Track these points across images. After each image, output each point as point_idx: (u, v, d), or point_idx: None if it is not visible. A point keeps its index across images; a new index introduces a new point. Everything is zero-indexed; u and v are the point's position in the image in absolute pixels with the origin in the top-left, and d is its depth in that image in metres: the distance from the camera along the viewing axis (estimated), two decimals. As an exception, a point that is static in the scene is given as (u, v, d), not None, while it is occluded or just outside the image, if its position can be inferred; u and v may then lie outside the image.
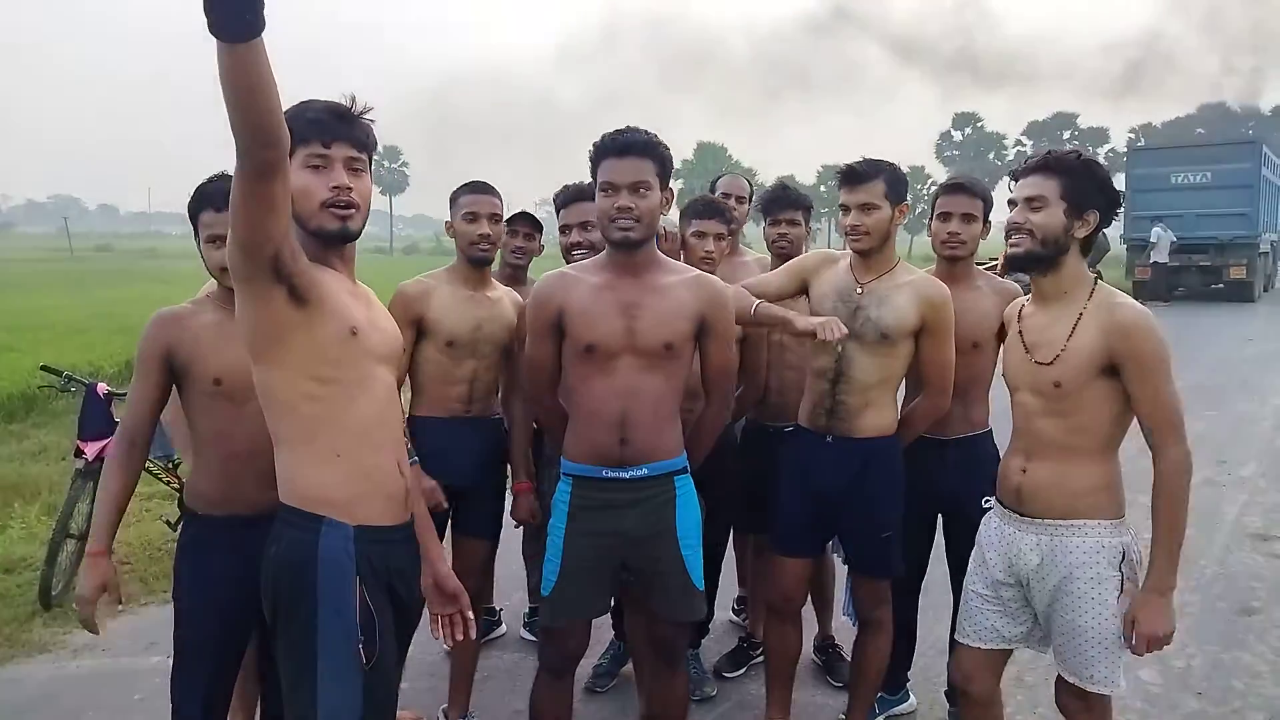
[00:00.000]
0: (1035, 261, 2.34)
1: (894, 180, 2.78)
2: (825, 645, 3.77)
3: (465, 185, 3.17)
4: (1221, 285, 19.61)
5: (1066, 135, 73.77)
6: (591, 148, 2.49)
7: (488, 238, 3.06)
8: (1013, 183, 2.42)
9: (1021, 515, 2.39)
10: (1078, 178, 2.29)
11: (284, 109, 1.83)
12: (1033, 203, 2.31)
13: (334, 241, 1.92)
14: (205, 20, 1.39)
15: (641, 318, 2.43)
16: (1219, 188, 19.18)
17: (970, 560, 2.58)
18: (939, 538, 3.16)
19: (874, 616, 3.00)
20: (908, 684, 3.41)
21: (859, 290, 2.82)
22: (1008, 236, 2.40)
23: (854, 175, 2.78)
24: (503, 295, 3.16)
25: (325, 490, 1.85)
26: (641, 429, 2.44)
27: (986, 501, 2.87)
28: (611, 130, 2.49)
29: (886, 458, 2.88)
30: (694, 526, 2.54)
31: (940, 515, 3.11)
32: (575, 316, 2.47)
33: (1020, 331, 2.44)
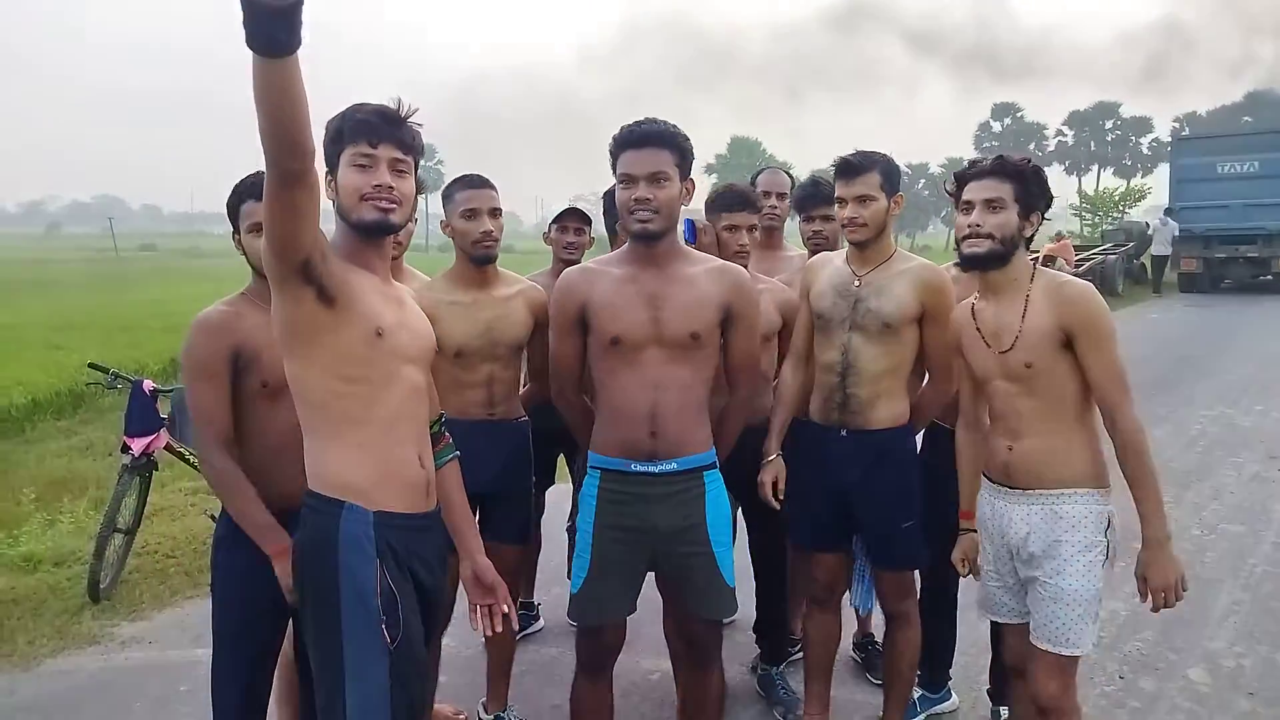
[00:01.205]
0: (995, 260, 2.40)
1: (888, 171, 2.80)
2: (864, 642, 3.75)
3: (459, 180, 3.01)
4: (1270, 277, 19.17)
5: (1108, 124, 72.57)
6: (611, 140, 2.48)
7: (490, 234, 2.92)
8: (953, 184, 2.49)
9: (1010, 488, 2.45)
10: (1029, 182, 2.40)
11: (338, 113, 1.92)
12: (992, 204, 2.38)
13: (374, 234, 1.96)
14: (244, 34, 1.45)
15: (666, 308, 2.42)
16: (1267, 177, 18.72)
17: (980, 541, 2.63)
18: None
19: (900, 609, 2.97)
20: (949, 682, 3.38)
21: (857, 283, 2.82)
22: (963, 240, 2.43)
23: (849, 168, 2.79)
24: (516, 292, 3.03)
25: (347, 477, 1.92)
26: (671, 421, 2.43)
27: None
28: (630, 122, 2.48)
29: (902, 448, 2.88)
30: (725, 523, 2.53)
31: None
32: (599, 309, 2.46)
33: (978, 328, 2.49)
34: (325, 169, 1.94)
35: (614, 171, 2.48)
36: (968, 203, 2.42)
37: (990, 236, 2.37)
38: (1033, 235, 2.46)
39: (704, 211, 3.27)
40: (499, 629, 2.24)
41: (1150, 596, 2.32)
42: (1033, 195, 2.41)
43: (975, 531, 2.64)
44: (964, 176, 2.47)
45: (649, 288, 2.44)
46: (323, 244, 1.83)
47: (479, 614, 2.23)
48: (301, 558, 1.96)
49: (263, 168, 1.69)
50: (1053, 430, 2.39)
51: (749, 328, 2.57)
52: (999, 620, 2.61)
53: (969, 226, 2.40)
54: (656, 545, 2.47)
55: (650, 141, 2.40)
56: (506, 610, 2.24)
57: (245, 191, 2.37)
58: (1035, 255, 2.55)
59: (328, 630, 1.89)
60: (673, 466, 2.44)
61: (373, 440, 1.94)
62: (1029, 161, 2.43)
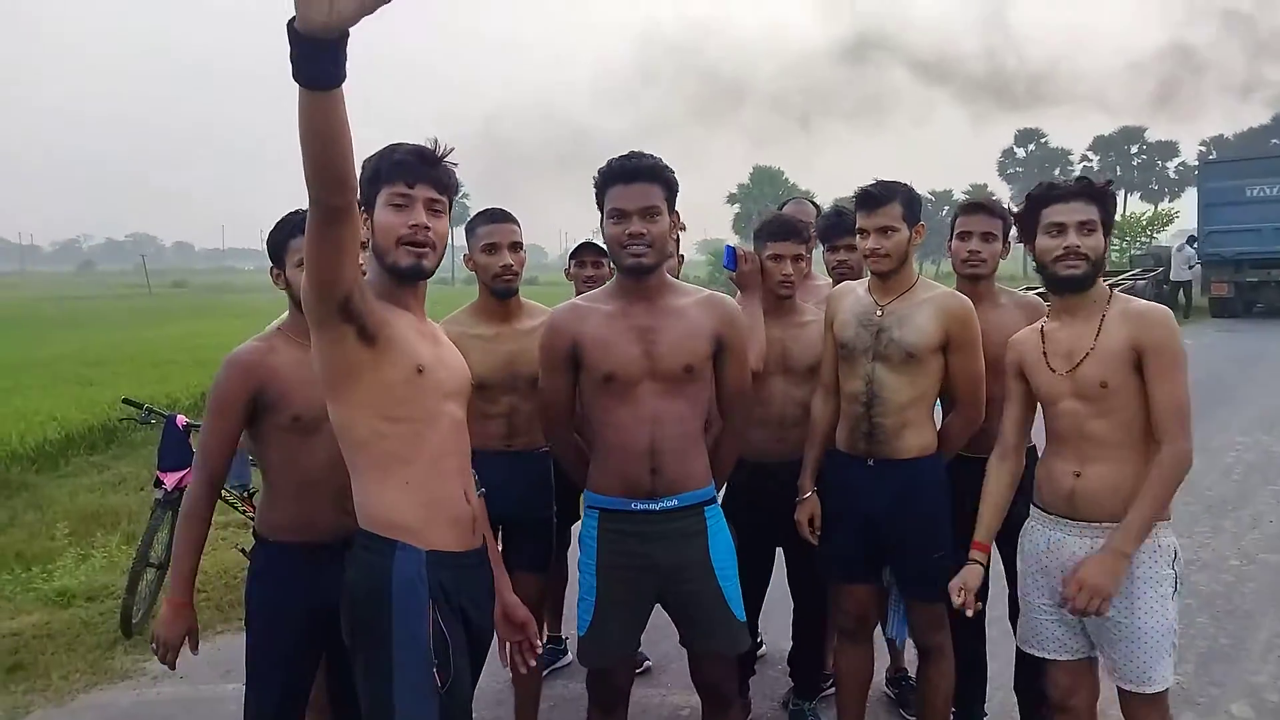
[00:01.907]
0: (1088, 282, 2.41)
1: (909, 201, 2.80)
2: (898, 678, 3.69)
3: (481, 214, 3.04)
4: (1303, 301, 18.90)
5: (1134, 149, 72.17)
6: (596, 174, 2.47)
7: (510, 268, 2.95)
8: (1029, 203, 2.47)
9: (1073, 521, 2.41)
10: (1111, 204, 2.44)
11: (375, 152, 1.95)
12: (1085, 227, 2.38)
13: (408, 278, 1.98)
14: (290, 67, 1.46)
15: (659, 342, 2.41)
16: (1297, 199, 18.54)
17: (1020, 572, 2.58)
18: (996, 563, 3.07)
19: (934, 643, 2.92)
20: (984, 718, 3.31)
21: (879, 313, 2.82)
22: (1058, 261, 2.39)
23: (871, 199, 2.79)
24: (538, 324, 2.95)
25: (397, 516, 1.92)
26: (671, 457, 2.41)
27: None
28: (617, 156, 2.46)
29: (931, 477, 2.85)
30: (729, 557, 2.50)
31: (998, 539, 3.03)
32: (591, 346, 2.44)
33: (1045, 351, 2.47)
34: (362, 207, 1.96)
35: (600, 206, 2.46)
36: (1059, 225, 2.39)
37: (1087, 258, 2.37)
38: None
39: (751, 239, 3.28)
40: (532, 664, 2.25)
41: (1070, 586, 2.29)
42: (1111, 216, 2.44)
43: (984, 566, 2.61)
44: (1046, 199, 2.44)
45: (640, 322, 2.43)
46: (362, 283, 1.85)
47: (509, 650, 2.24)
48: (353, 598, 1.95)
49: (300, 204, 1.72)
50: (1123, 456, 2.35)
51: (740, 357, 2.56)
52: (1047, 656, 2.52)
53: (1064, 248, 2.37)
54: (661, 583, 2.46)
55: (641, 176, 2.40)
56: (537, 645, 2.25)
57: (296, 227, 2.39)
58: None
59: (378, 671, 1.88)
60: (674, 503, 2.43)
61: (420, 478, 1.94)
62: (1109, 183, 2.47)
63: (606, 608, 2.46)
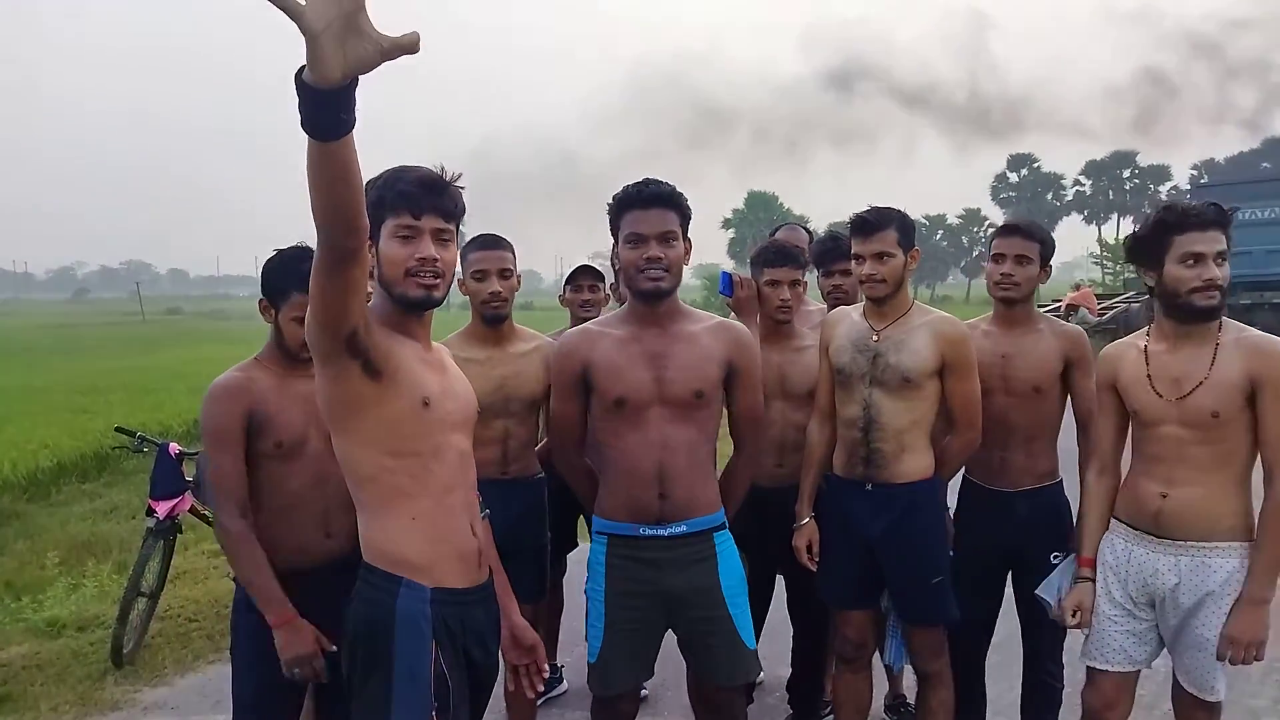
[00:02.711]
0: (1219, 313, 2.39)
1: (904, 226, 2.81)
2: (896, 704, 3.66)
3: (473, 241, 3.02)
4: (1296, 323, 19.02)
5: (1126, 174, 72.75)
6: (612, 200, 2.48)
7: (499, 295, 2.93)
8: (1178, 234, 2.36)
9: (1159, 538, 2.43)
10: (1228, 229, 2.38)
11: (381, 174, 1.91)
12: (1221, 257, 2.35)
13: (416, 309, 1.95)
14: (299, 117, 1.41)
15: (670, 367, 2.42)
16: (1289, 223, 18.67)
17: (1097, 585, 2.58)
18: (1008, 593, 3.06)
19: (932, 669, 2.90)
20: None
21: (875, 338, 2.82)
22: (1195, 292, 2.34)
23: (866, 225, 2.79)
24: (532, 349, 3.03)
25: (402, 552, 1.89)
26: (680, 482, 2.41)
27: (1055, 557, 2.80)
28: (633, 183, 2.48)
29: (928, 501, 2.84)
30: (739, 583, 2.49)
31: (1010, 571, 3.02)
32: (601, 370, 2.45)
33: (1149, 373, 2.45)
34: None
35: (614, 232, 2.48)
36: (1198, 255, 2.32)
37: (1220, 289, 2.34)
38: None
39: (748, 265, 3.29)
40: (540, 689, 2.24)
41: (1231, 649, 2.33)
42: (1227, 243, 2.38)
43: (1093, 581, 2.59)
44: (1182, 225, 2.36)
45: (651, 347, 2.44)
46: (369, 315, 1.81)
47: (519, 674, 2.23)
48: (354, 633, 1.91)
49: (295, 232, 1.71)
50: (1214, 481, 2.37)
51: (752, 383, 2.56)
52: (1109, 669, 2.54)
53: (1204, 280, 2.31)
54: (671, 610, 2.44)
55: (659, 202, 2.43)
56: (545, 669, 2.23)
57: (300, 279, 2.37)
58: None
59: (377, 708, 1.85)
60: (682, 529, 2.42)
61: (426, 513, 1.90)
62: (1234, 210, 2.42)
63: (616, 635, 2.44)
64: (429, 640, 1.85)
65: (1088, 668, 2.62)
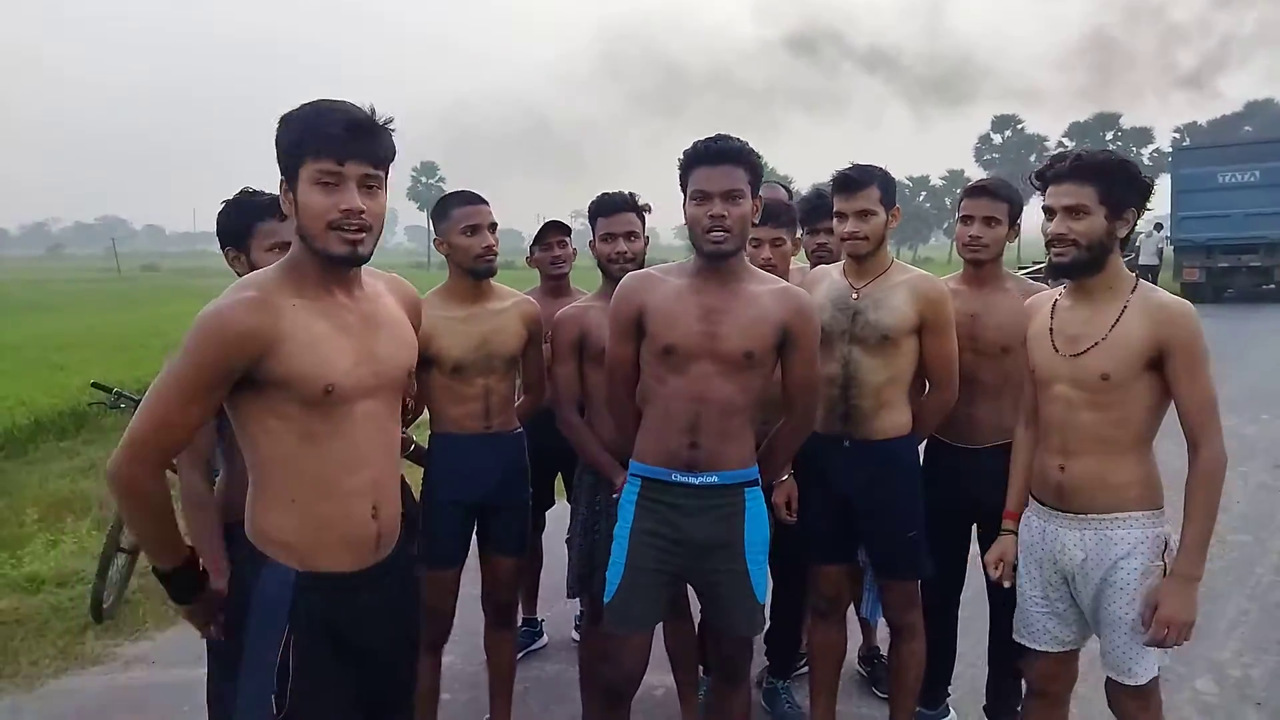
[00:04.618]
0: (1083, 268, 2.32)
1: (886, 185, 2.80)
2: (870, 656, 3.73)
3: (454, 197, 2.97)
4: (1273, 285, 19.17)
5: (1109, 136, 72.78)
6: (681, 155, 2.45)
7: (492, 249, 2.91)
8: (1039, 185, 2.37)
9: (1063, 512, 2.38)
10: (1114, 180, 2.27)
11: (299, 109, 1.77)
12: (1074, 212, 2.28)
13: (340, 266, 1.80)
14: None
15: (724, 323, 2.40)
16: (1268, 186, 18.73)
17: (1019, 563, 2.56)
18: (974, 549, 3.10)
19: (905, 621, 2.95)
20: (949, 699, 3.35)
21: (855, 296, 2.82)
22: (1050, 247, 2.35)
23: (849, 182, 2.79)
24: (510, 305, 3.02)
25: (275, 531, 1.80)
26: (712, 435, 2.41)
27: None
28: (704, 137, 2.44)
29: (904, 457, 2.88)
30: (762, 541, 2.49)
31: (975, 526, 3.06)
32: (655, 316, 2.44)
33: (1051, 327, 2.41)
34: (281, 179, 1.77)
35: (683, 187, 2.43)
36: (1049, 209, 2.32)
37: (1076, 244, 2.28)
38: (1129, 234, 2.35)
39: None
40: None
41: (1153, 625, 2.24)
42: (1120, 194, 2.27)
43: (1016, 534, 2.57)
44: (1044, 178, 2.35)
45: (708, 301, 2.41)
46: (224, 391, 1.73)
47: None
48: (226, 604, 1.89)
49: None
50: (1109, 451, 2.31)
51: (808, 351, 2.51)
52: (1038, 649, 2.50)
53: (1052, 235, 2.29)
54: (689, 559, 2.45)
55: (727, 158, 2.37)
56: None
57: (260, 210, 2.36)
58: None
59: (233, 678, 1.82)
60: (714, 479, 2.42)
61: (308, 496, 1.78)
62: (1110, 155, 2.32)
63: (634, 574, 2.45)
64: (283, 625, 1.76)
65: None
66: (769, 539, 2.53)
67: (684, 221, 2.46)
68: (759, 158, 2.44)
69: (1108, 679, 2.39)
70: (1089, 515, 2.33)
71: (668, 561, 2.46)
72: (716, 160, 2.37)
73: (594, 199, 3.13)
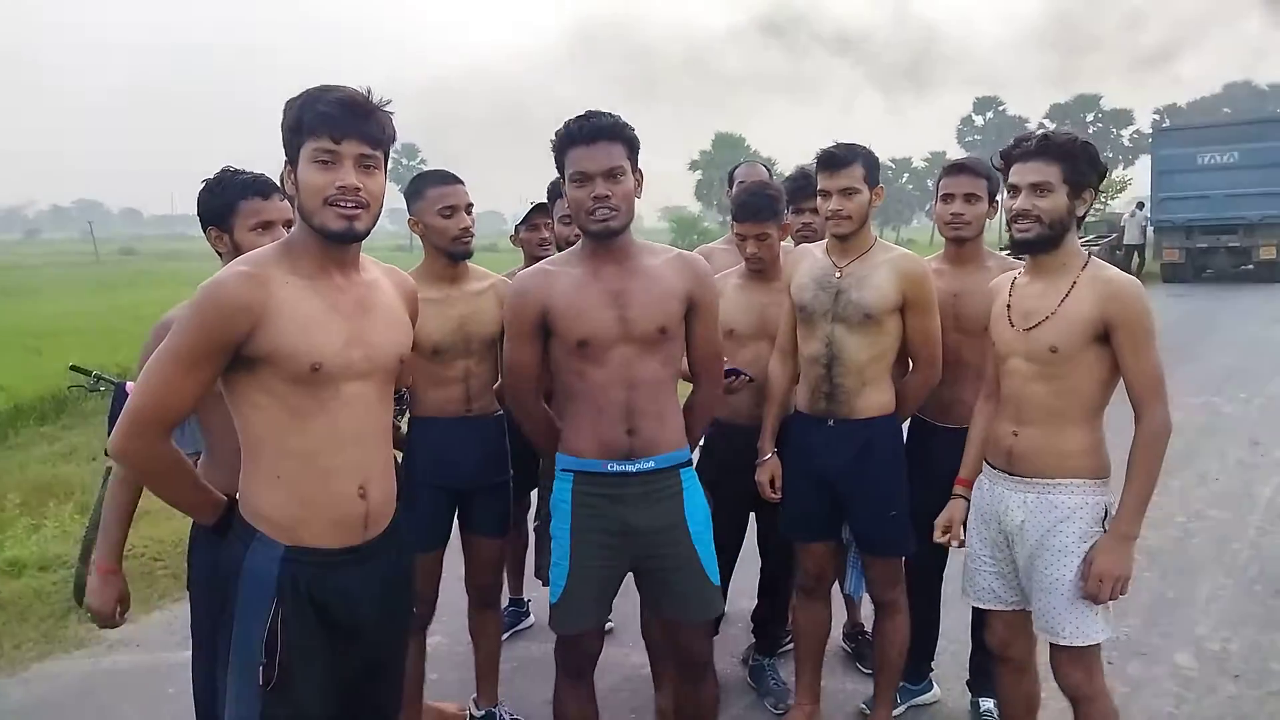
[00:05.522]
0: (1044, 244, 2.38)
1: (870, 163, 2.81)
2: (854, 632, 3.76)
3: (428, 176, 2.93)
4: (1251, 266, 19.33)
5: (1090, 117, 73.01)
6: (554, 136, 2.37)
7: (468, 230, 2.89)
8: (1003, 163, 2.44)
9: (1010, 475, 2.46)
10: (1077, 160, 2.35)
11: (301, 92, 1.81)
12: (1038, 189, 2.34)
13: (337, 241, 1.83)
14: None
15: (632, 305, 2.35)
16: (1247, 167, 18.84)
17: (969, 523, 2.62)
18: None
19: (889, 598, 2.99)
20: (931, 673, 3.39)
21: (837, 275, 2.83)
22: (1014, 222, 2.40)
23: (833, 160, 2.79)
24: (486, 287, 3.00)
25: (264, 507, 1.83)
26: (648, 418, 2.38)
27: None
28: (574, 117, 2.35)
29: (887, 436, 2.90)
30: (704, 519, 2.47)
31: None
32: (562, 312, 2.36)
33: (1009, 303, 2.48)
34: (284, 158, 1.83)
35: (560, 170, 2.38)
36: (1014, 186, 2.37)
37: (1039, 220, 2.34)
38: (1085, 214, 2.42)
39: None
40: None
41: (1089, 579, 2.31)
42: (1081, 174, 2.35)
43: (967, 500, 2.64)
44: (1009, 156, 2.41)
45: (612, 285, 2.36)
46: (215, 372, 1.77)
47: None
48: (212, 577, 1.92)
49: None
50: (1058, 421, 2.38)
51: (710, 317, 2.51)
52: (983, 606, 2.61)
53: (1017, 210, 2.35)
54: (636, 548, 2.41)
55: (602, 135, 2.30)
56: None
57: (243, 188, 2.32)
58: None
59: (223, 656, 1.85)
60: (650, 465, 2.39)
61: (294, 473, 1.82)
62: (1074, 138, 2.38)
63: (580, 573, 2.41)
64: (270, 598, 1.80)
65: (973, 608, 2.68)
66: (710, 518, 2.51)
67: (568, 206, 2.41)
68: (633, 131, 2.37)
69: (1051, 645, 2.43)
70: (1034, 479, 2.41)
71: (613, 558, 2.42)
72: (593, 139, 2.30)
73: (552, 182, 3.10)
